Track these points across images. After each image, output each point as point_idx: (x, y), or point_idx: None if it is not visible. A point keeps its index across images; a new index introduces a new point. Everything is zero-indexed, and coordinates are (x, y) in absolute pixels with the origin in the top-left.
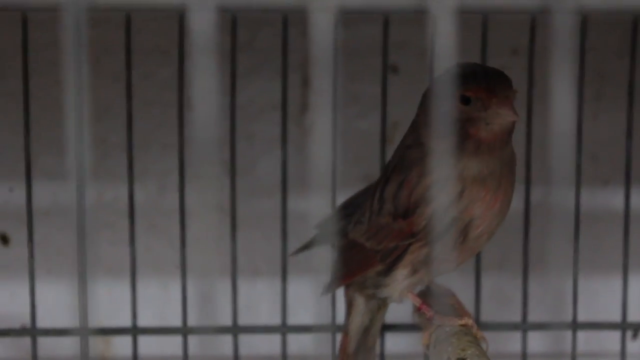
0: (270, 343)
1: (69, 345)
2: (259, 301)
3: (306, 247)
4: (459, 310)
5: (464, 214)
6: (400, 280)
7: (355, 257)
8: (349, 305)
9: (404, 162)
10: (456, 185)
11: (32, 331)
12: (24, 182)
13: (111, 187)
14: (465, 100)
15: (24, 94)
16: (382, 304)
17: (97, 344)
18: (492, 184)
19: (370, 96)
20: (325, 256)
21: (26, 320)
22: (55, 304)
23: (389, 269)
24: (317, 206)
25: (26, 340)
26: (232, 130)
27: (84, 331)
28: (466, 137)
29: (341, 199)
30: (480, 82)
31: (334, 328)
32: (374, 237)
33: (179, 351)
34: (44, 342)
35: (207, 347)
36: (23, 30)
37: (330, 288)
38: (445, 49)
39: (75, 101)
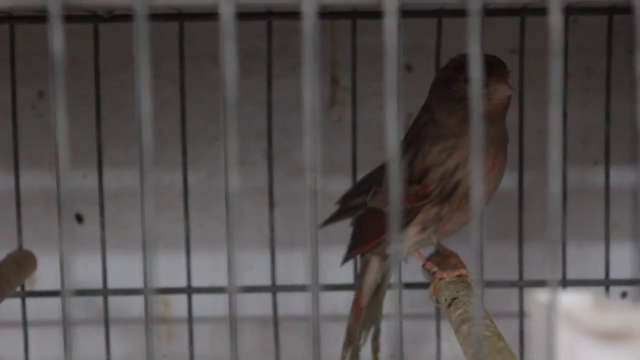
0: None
1: (136, 305)
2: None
3: (331, 220)
4: (459, 267)
5: (467, 178)
6: (410, 236)
7: (377, 222)
8: (365, 265)
9: (419, 136)
10: (462, 153)
11: (104, 291)
12: (96, 170)
13: (168, 173)
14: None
15: (95, 96)
16: (393, 264)
17: (158, 305)
18: (490, 152)
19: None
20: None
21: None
22: (125, 271)
23: (402, 228)
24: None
25: (99, 300)
26: (268, 122)
27: (149, 291)
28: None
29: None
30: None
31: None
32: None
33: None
34: (114, 301)
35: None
36: (94, 41)
37: (351, 254)
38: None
39: (142, 100)
